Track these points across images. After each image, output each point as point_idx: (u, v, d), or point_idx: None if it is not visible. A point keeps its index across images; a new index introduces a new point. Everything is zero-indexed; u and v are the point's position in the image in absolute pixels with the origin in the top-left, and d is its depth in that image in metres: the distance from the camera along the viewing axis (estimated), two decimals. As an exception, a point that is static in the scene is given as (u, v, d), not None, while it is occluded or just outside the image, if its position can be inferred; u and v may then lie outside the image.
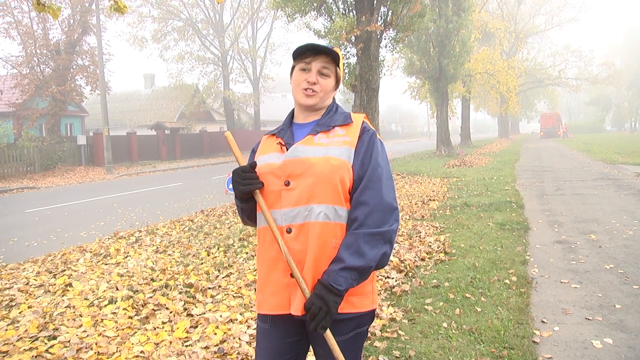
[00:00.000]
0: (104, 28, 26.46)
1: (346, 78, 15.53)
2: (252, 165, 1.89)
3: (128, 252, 7.19)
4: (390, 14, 15.07)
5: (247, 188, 1.84)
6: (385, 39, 16.14)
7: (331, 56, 1.92)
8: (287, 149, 1.89)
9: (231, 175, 1.91)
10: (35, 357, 3.70)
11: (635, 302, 4.53)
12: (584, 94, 68.57)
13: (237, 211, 2.12)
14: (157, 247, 7.44)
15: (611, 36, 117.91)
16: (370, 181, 1.81)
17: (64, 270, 6.30)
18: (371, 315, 1.93)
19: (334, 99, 2.05)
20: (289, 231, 1.82)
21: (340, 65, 1.98)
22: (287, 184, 1.84)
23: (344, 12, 15.45)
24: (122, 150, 30.05)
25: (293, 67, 1.98)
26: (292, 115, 2.06)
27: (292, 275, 1.81)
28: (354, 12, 15.15)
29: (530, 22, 55.32)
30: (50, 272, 6.27)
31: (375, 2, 14.88)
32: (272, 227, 1.82)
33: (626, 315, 4.25)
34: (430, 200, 11.09)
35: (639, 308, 4.39)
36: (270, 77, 41.47)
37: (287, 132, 1.98)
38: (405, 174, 17.18)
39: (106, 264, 6.57)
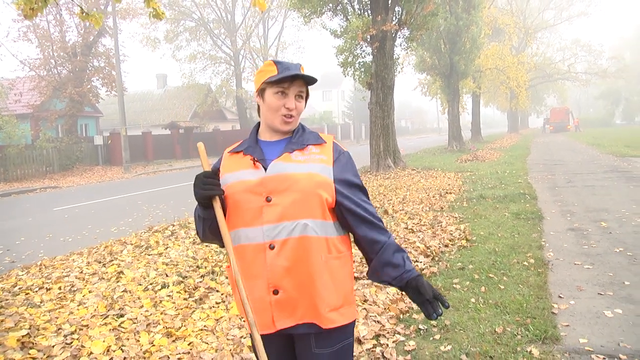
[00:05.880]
0: (120, 30, 26.96)
1: (362, 76, 15.98)
2: (215, 171, 1.87)
3: (167, 244, 7.64)
4: (404, 13, 15.48)
5: (206, 192, 1.79)
6: (399, 37, 16.55)
7: (304, 79, 1.90)
8: (264, 166, 1.86)
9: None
10: (112, 330, 4.21)
11: (643, 280, 5.02)
12: (594, 88, 68.42)
13: (196, 227, 2.04)
14: (193, 239, 7.89)
15: (621, 30, 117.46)
16: (368, 204, 1.94)
17: (112, 260, 6.77)
18: (353, 326, 1.97)
19: None
20: (272, 247, 1.80)
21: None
22: (269, 199, 1.81)
23: (359, 12, 15.88)
24: (138, 150, 30.60)
25: (263, 89, 1.92)
26: (256, 131, 2.03)
27: (274, 292, 1.82)
28: (369, 12, 15.59)
29: (539, 17, 55.33)
30: (100, 262, 6.76)
31: (390, 1, 15.30)
32: (226, 243, 1.81)
33: (634, 290, 4.75)
34: (447, 193, 11.53)
35: None
36: (282, 76, 41.82)
37: (256, 149, 1.93)
38: (420, 168, 17.59)
39: (149, 255, 7.03)
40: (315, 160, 1.87)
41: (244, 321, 4.32)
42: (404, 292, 1.94)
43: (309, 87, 1.99)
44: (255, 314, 1.82)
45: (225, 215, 1.91)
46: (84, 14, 7.29)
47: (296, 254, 1.80)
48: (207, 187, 1.80)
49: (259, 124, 2.06)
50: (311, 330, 1.86)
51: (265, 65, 1.92)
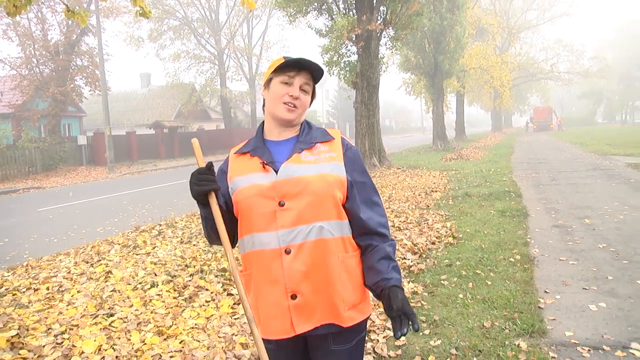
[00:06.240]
0: (103, 28, 26.70)
1: (347, 76, 16.05)
2: (209, 166, 1.81)
3: (155, 244, 7.63)
4: (389, 12, 15.57)
5: (201, 188, 1.77)
6: (384, 37, 16.65)
7: (312, 73, 1.90)
8: (274, 169, 1.83)
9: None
10: (102, 329, 4.21)
11: (625, 274, 5.16)
12: (576, 88, 69.23)
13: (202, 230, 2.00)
14: (181, 239, 7.89)
15: (602, 30, 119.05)
16: (374, 203, 1.91)
17: (100, 260, 6.75)
18: (367, 320, 1.96)
19: None
20: (287, 252, 1.77)
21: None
22: (282, 204, 1.78)
23: (344, 11, 15.95)
24: (122, 150, 30.35)
25: (269, 80, 1.91)
26: (261, 131, 1.99)
27: (292, 297, 1.79)
28: (354, 12, 15.66)
29: (522, 17, 56.00)
30: (87, 262, 6.72)
31: (375, 1, 15.37)
32: (225, 245, 1.82)
33: (617, 284, 4.88)
34: (432, 191, 11.64)
35: (628, 279, 5.02)
36: (267, 75, 41.76)
37: (264, 150, 1.90)
38: (405, 167, 17.70)
39: (137, 254, 7.02)
40: (325, 159, 1.86)
41: (236, 318, 4.35)
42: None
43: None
44: (274, 319, 1.82)
45: (237, 220, 1.90)
46: (70, 12, 7.24)
47: (313, 258, 1.78)
48: (202, 183, 1.78)
49: (263, 122, 2.01)
50: (330, 331, 1.83)
51: (275, 60, 1.91)
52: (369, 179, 1.94)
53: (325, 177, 1.81)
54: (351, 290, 1.84)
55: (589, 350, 3.54)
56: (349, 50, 16.19)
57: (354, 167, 1.90)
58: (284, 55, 1.91)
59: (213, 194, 1.80)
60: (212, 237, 1.93)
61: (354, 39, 15.39)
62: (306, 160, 1.84)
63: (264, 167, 1.83)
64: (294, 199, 1.79)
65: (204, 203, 1.83)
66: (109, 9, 28.66)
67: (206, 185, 1.78)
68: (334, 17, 15.86)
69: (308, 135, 1.92)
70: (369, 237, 1.88)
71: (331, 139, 1.92)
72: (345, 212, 1.88)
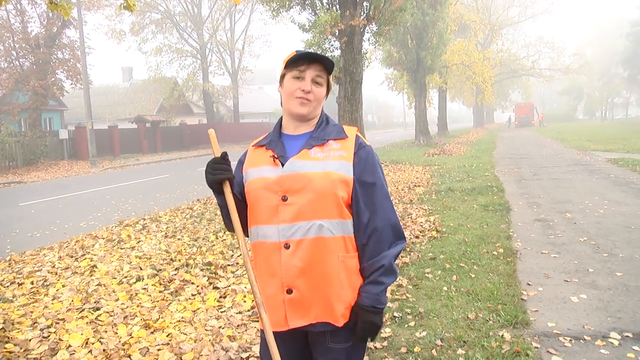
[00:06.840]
0: (85, 21, 26.34)
1: (330, 71, 16.02)
2: (224, 155, 1.87)
3: (139, 238, 7.62)
4: (372, 8, 15.57)
5: (215, 177, 1.82)
6: (367, 32, 16.65)
7: (324, 64, 1.88)
8: (282, 163, 1.84)
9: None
10: (89, 323, 4.20)
11: (605, 267, 5.29)
12: (557, 84, 70.11)
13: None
14: (165, 233, 7.88)
15: (583, 28, 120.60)
16: (378, 205, 1.84)
17: (84, 255, 6.71)
18: None
19: (322, 108, 1.99)
20: (287, 247, 1.79)
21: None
22: (285, 199, 1.80)
23: (328, 6, 15.91)
24: (104, 144, 30.11)
25: (283, 75, 1.92)
26: (280, 125, 2.01)
27: (288, 292, 1.81)
28: (338, 7, 15.63)
29: (504, 14, 56.51)
30: (72, 257, 6.69)
31: (358, -4, 15.36)
32: (238, 233, 1.86)
33: (597, 276, 4.99)
34: (415, 186, 11.74)
35: (608, 271, 5.14)
36: (249, 70, 41.69)
37: (278, 144, 1.92)
38: (388, 162, 17.82)
39: (122, 249, 7.00)
40: (334, 157, 1.83)
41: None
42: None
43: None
44: (269, 311, 1.83)
45: (246, 210, 1.93)
46: (52, 4, 7.16)
47: (311, 255, 1.78)
48: (217, 172, 1.83)
49: (282, 117, 2.02)
50: (327, 329, 1.84)
51: (287, 56, 1.91)
52: (380, 179, 1.89)
53: (330, 175, 1.79)
54: (350, 290, 1.83)
55: (570, 340, 3.62)
56: (332, 45, 16.14)
57: (364, 167, 1.86)
58: (297, 50, 1.91)
59: (227, 183, 1.85)
60: (228, 224, 1.96)
61: (337, 34, 15.35)
62: (314, 156, 1.84)
63: (274, 160, 1.86)
64: (296, 194, 1.80)
65: (219, 191, 1.88)
66: (90, 1, 28.31)
67: (221, 174, 1.83)
68: (317, 12, 15.81)
69: (322, 132, 1.91)
70: (374, 242, 1.84)
71: (345, 137, 1.90)
72: (355, 213, 1.85)
